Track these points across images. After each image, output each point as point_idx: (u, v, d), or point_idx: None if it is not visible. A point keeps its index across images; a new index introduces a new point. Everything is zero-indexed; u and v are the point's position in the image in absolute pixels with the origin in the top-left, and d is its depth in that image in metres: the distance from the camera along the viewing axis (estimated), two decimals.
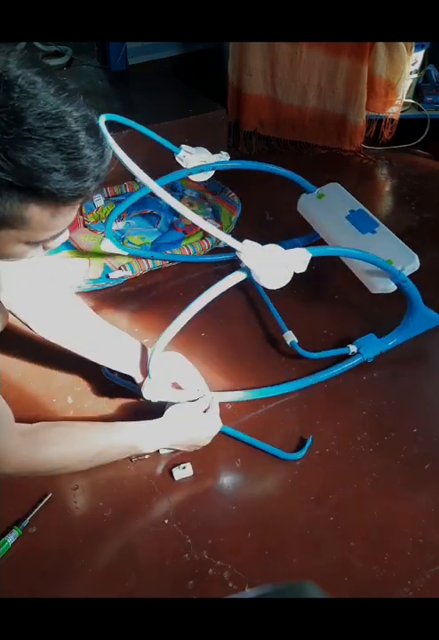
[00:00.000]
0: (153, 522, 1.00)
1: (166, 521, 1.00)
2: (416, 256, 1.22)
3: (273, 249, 0.93)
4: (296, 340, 1.26)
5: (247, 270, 0.93)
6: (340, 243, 1.28)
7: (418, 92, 2.15)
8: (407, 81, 2.02)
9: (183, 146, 1.33)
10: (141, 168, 1.90)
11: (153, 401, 1.08)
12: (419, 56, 2.07)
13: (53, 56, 2.35)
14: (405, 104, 2.08)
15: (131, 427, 1.03)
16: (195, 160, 1.32)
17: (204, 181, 1.88)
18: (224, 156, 1.36)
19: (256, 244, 0.92)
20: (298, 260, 0.94)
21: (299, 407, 1.19)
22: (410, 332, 1.31)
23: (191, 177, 1.34)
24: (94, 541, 0.98)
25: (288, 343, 1.26)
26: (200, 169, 1.32)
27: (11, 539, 0.96)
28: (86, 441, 0.96)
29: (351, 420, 1.17)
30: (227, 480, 1.07)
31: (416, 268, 1.20)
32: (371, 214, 1.35)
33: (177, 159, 1.34)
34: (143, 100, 2.14)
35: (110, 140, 1.04)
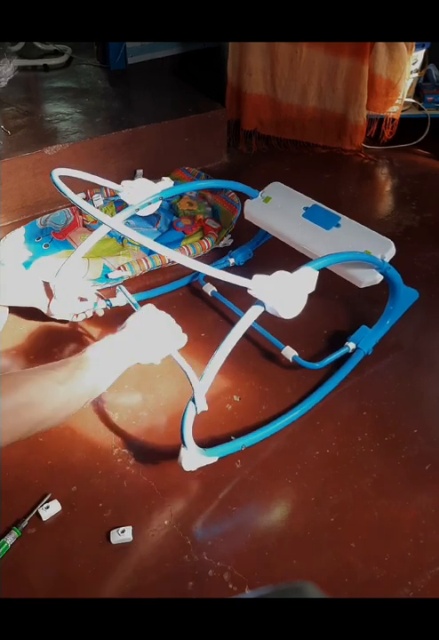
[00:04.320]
0: (153, 523, 1.00)
1: (166, 522, 1.00)
2: (391, 241, 1.21)
3: (281, 277, 0.92)
4: (297, 354, 1.24)
5: (262, 303, 0.92)
6: (310, 244, 1.25)
7: (418, 91, 2.15)
8: (407, 80, 2.02)
9: (124, 182, 1.27)
10: (142, 167, 1.91)
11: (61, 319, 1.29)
12: (419, 55, 2.08)
13: (53, 55, 2.36)
14: (406, 103, 2.09)
15: (98, 366, 0.96)
16: (140, 194, 1.26)
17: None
18: (167, 182, 1.30)
19: (264, 277, 0.90)
20: (307, 280, 0.94)
21: None
22: (397, 313, 1.32)
23: (140, 212, 1.27)
24: (94, 542, 0.97)
25: (290, 360, 1.24)
26: (148, 203, 1.26)
27: (10, 540, 0.95)
28: (53, 403, 0.89)
29: (351, 420, 1.17)
30: (226, 481, 1.07)
31: (394, 253, 1.20)
32: (326, 208, 1.32)
33: (121, 197, 1.28)
34: (143, 100, 2.14)
35: (69, 192, 1.04)
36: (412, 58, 2.00)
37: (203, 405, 0.96)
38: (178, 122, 1.94)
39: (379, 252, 1.17)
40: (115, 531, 0.97)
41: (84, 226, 1.69)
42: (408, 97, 2.09)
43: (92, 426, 1.15)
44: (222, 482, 1.06)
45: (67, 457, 1.09)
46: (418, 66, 2.09)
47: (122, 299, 1.36)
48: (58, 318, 1.32)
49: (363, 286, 1.18)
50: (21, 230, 1.64)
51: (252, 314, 0.93)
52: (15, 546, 0.96)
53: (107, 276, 1.49)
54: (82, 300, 1.33)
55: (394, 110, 2.03)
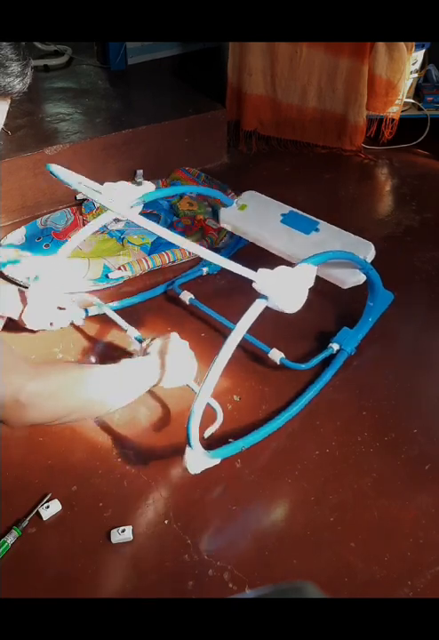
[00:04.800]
0: (153, 522, 1.00)
1: (166, 521, 1.00)
2: (371, 243, 1.23)
3: (283, 271, 0.93)
4: (284, 356, 1.24)
5: (265, 297, 0.93)
6: (292, 248, 1.26)
7: (418, 91, 2.15)
8: (407, 80, 2.02)
9: (106, 184, 1.19)
10: (142, 168, 1.90)
11: (35, 329, 1.25)
12: (419, 55, 2.08)
13: (53, 56, 2.36)
14: (405, 104, 2.09)
15: (129, 376, 1.03)
16: (121, 198, 1.20)
17: (204, 182, 1.89)
18: (149, 186, 1.26)
19: (268, 271, 0.92)
20: (307, 275, 0.95)
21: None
22: (376, 314, 1.34)
23: (121, 216, 1.22)
24: (94, 542, 0.97)
25: (278, 362, 1.24)
26: (130, 205, 1.23)
27: (10, 539, 0.95)
28: (86, 395, 0.94)
29: (351, 420, 1.17)
30: (227, 481, 1.07)
31: (374, 255, 1.22)
32: (304, 214, 1.33)
33: (101, 201, 1.18)
34: (143, 100, 2.14)
35: (70, 179, 1.04)
36: (412, 58, 2.00)
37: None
38: (178, 122, 1.94)
39: (360, 254, 1.18)
40: (115, 530, 0.97)
41: (84, 226, 1.69)
42: (408, 97, 2.09)
43: (92, 426, 1.15)
44: (222, 482, 1.06)
45: (67, 457, 1.09)
46: (417, 66, 2.09)
47: (96, 309, 1.36)
48: (31, 328, 1.26)
49: (346, 287, 1.19)
50: (22, 230, 1.65)
51: (256, 308, 0.93)
52: (15, 545, 0.96)
53: (107, 276, 1.49)
54: (60, 308, 1.30)
55: (393, 110, 2.03)
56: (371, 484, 1.06)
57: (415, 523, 1.00)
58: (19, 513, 1.00)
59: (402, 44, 1.89)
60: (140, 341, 1.21)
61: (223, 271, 1.52)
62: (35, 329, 1.28)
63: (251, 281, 0.92)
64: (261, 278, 0.91)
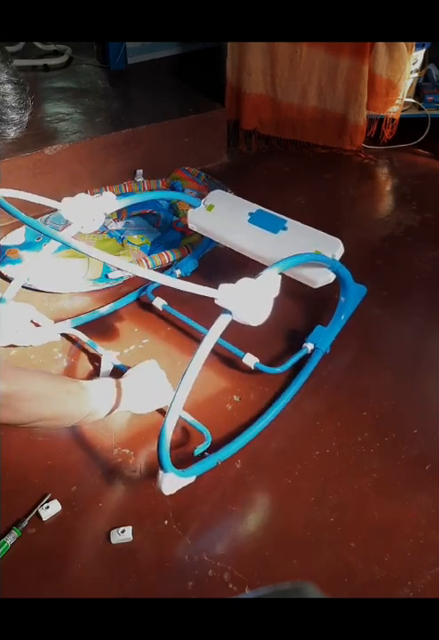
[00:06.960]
0: (153, 522, 1.00)
1: (166, 522, 1.00)
2: (339, 240, 1.21)
3: (246, 283, 0.90)
4: (258, 361, 1.22)
5: (229, 312, 0.91)
6: (260, 249, 1.24)
7: (418, 91, 2.15)
8: (407, 80, 2.02)
9: (65, 199, 1.18)
10: (142, 167, 1.90)
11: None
12: (419, 55, 2.07)
13: (53, 55, 2.36)
14: (406, 103, 2.08)
15: (98, 396, 1.04)
16: (81, 212, 1.19)
17: (204, 182, 1.89)
18: (109, 197, 1.22)
19: (230, 286, 0.89)
20: (271, 284, 0.92)
21: (299, 408, 1.19)
22: (349, 310, 1.33)
23: (84, 229, 1.22)
24: (94, 542, 0.97)
25: (252, 367, 1.22)
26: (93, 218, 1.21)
27: (10, 540, 0.95)
28: (60, 406, 0.98)
29: (351, 420, 1.17)
30: (226, 481, 1.07)
31: (343, 251, 1.20)
32: (271, 212, 1.31)
33: (63, 215, 1.21)
34: (143, 100, 2.14)
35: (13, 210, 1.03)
36: (412, 58, 1.99)
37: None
38: (178, 122, 1.94)
39: (328, 252, 1.17)
40: (115, 530, 0.97)
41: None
42: (408, 97, 2.09)
43: (92, 425, 1.14)
44: (222, 482, 1.06)
45: (67, 457, 1.09)
46: (418, 66, 2.09)
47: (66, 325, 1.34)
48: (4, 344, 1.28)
49: (317, 286, 1.18)
50: (22, 230, 1.64)
51: (221, 324, 0.91)
52: (15, 546, 0.96)
53: (106, 276, 1.49)
54: (35, 324, 1.30)
55: (394, 110, 2.03)
56: (371, 485, 1.06)
57: (415, 523, 1.00)
58: (18, 513, 1.00)
59: (402, 43, 1.89)
60: (123, 370, 1.18)
61: (196, 273, 1.51)
62: (6, 345, 1.29)
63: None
64: (223, 294, 0.89)
